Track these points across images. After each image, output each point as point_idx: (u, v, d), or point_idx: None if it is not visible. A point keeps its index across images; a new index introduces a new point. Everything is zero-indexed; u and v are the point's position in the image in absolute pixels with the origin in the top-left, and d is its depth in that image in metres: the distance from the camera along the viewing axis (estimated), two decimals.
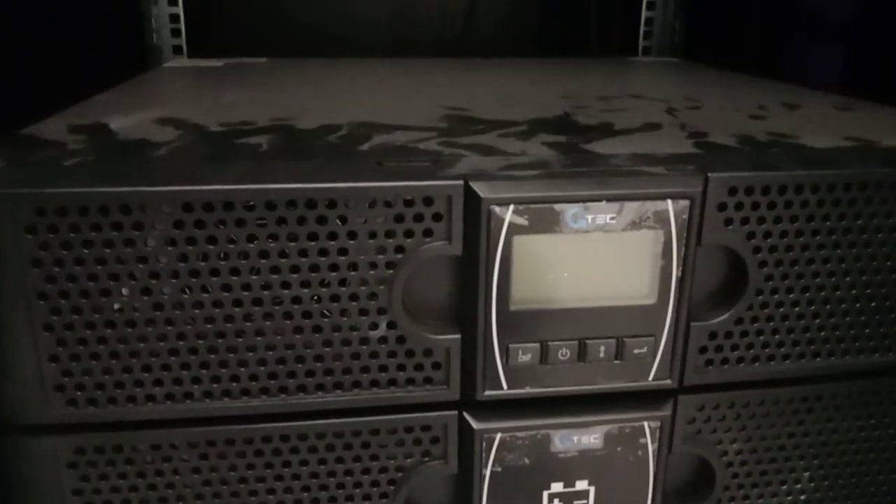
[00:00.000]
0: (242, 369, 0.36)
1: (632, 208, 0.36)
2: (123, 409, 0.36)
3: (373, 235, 0.35)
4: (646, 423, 0.40)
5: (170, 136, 0.42)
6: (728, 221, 0.37)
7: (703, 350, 0.39)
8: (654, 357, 0.38)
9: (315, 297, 0.35)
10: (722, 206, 0.37)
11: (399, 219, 0.35)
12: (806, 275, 0.39)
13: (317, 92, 0.61)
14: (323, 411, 0.37)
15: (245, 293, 0.35)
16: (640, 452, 0.40)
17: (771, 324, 0.40)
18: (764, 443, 0.42)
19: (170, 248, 0.34)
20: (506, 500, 0.40)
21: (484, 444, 0.38)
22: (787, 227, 0.38)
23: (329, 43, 0.89)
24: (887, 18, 0.66)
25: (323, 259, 0.35)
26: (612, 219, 0.36)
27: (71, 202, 0.33)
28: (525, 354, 0.37)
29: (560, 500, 0.40)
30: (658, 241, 0.36)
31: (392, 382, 0.37)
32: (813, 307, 0.40)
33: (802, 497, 0.44)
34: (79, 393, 0.35)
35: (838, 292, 0.40)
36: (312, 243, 0.35)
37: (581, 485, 0.40)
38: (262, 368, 0.36)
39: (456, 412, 0.39)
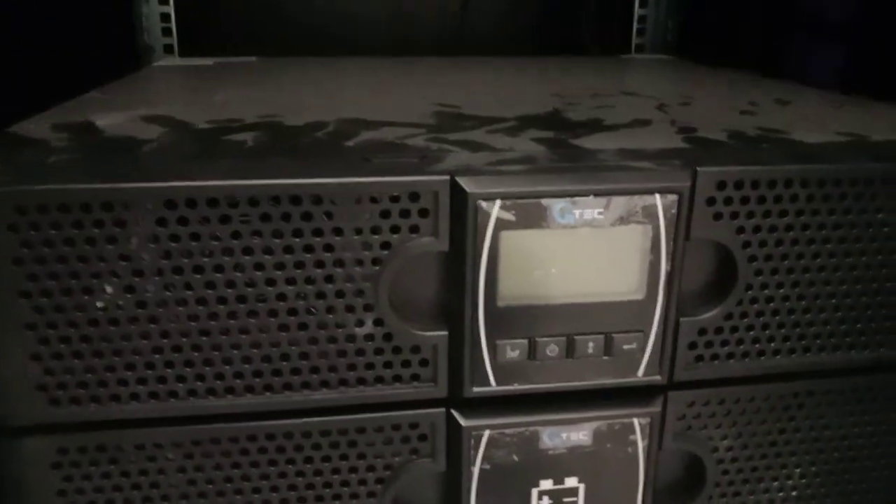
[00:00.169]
0: (227, 367, 0.36)
1: (620, 203, 0.35)
2: (107, 409, 0.35)
3: (359, 231, 0.35)
4: (635, 420, 0.39)
5: (155, 134, 0.41)
6: (717, 216, 0.37)
7: (692, 346, 0.39)
8: (643, 353, 0.38)
9: (300, 295, 0.35)
10: (711, 201, 0.37)
11: (385, 214, 0.35)
12: (796, 270, 0.39)
13: (307, 90, 0.61)
14: (309, 409, 0.37)
15: (229, 290, 0.34)
16: (629, 449, 0.40)
17: (761, 319, 0.39)
18: (755, 439, 0.42)
19: (153, 246, 0.33)
20: (495, 498, 0.39)
21: (472, 442, 0.38)
22: (776, 221, 0.38)
23: (324, 42, 0.89)
24: (885, 15, 0.66)
25: (308, 256, 0.34)
26: (599, 214, 0.35)
27: (52, 200, 0.32)
28: (513, 351, 0.37)
29: (549, 498, 0.40)
30: (646, 236, 0.36)
31: (379, 380, 0.37)
32: (803, 302, 0.40)
33: (794, 493, 0.44)
34: (61, 392, 0.35)
35: (828, 288, 0.40)
36: (297, 240, 0.34)
37: (570, 482, 0.40)
38: (247, 366, 0.36)
39: (444, 409, 0.38)
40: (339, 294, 0.35)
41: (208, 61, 0.79)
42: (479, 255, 0.35)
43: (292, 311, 0.35)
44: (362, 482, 0.39)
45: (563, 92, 0.58)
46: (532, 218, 0.35)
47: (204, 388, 0.36)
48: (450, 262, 0.36)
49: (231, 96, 0.56)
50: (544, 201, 0.35)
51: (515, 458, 0.39)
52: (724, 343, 0.40)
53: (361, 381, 0.37)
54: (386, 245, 0.35)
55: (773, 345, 0.40)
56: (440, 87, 0.63)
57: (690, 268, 0.38)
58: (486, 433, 0.38)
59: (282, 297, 0.35)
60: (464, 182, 0.34)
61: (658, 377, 0.39)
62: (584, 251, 0.36)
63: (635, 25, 0.96)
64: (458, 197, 0.35)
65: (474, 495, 0.39)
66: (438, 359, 0.37)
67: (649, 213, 0.36)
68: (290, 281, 0.35)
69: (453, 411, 0.38)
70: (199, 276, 0.34)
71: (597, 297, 0.37)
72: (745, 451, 0.42)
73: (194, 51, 0.86)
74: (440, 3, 0.91)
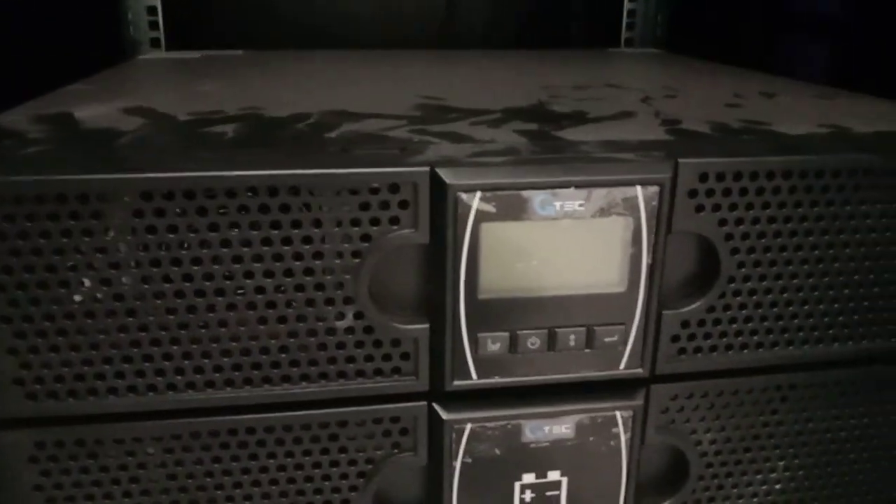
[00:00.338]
0: (206, 361, 0.35)
1: (600, 195, 0.35)
2: (85, 403, 0.35)
3: (338, 223, 0.34)
4: (618, 413, 0.39)
5: (134, 125, 0.41)
6: (699, 208, 0.37)
7: (675, 338, 0.39)
8: (625, 345, 0.38)
9: (279, 288, 0.35)
10: (693, 193, 0.37)
11: (365, 206, 0.34)
12: (779, 262, 0.39)
13: (291, 82, 0.60)
14: (290, 403, 0.37)
15: (207, 283, 0.34)
16: (612, 442, 0.40)
17: (744, 312, 0.39)
18: (738, 432, 0.42)
19: (130, 238, 0.33)
20: (477, 492, 0.39)
21: (454, 435, 0.38)
22: (759, 213, 0.38)
23: (312, 36, 0.88)
24: (873, 10, 0.66)
25: (287, 248, 0.34)
26: (580, 206, 0.35)
27: (28, 191, 0.32)
28: (494, 344, 0.37)
29: (532, 491, 0.40)
30: (628, 228, 0.36)
31: (360, 373, 0.37)
32: (786, 295, 0.40)
33: (777, 486, 0.44)
34: (38, 386, 0.35)
35: (811, 280, 0.40)
36: (276, 232, 0.34)
37: (553, 475, 0.40)
38: (227, 360, 0.36)
39: (425, 403, 0.38)
40: (319, 287, 0.35)
41: (195, 54, 0.78)
42: (460, 248, 0.35)
43: (271, 304, 0.35)
44: (344, 476, 0.39)
45: (549, 85, 0.58)
46: (513, 210, 0.35)
47: (183, 381, 0.36)
48: (430, 255, 0.36)
49: (214, 88, 0.56)
50: (525, 193, 0.35)
51: (497, 451, 0.39)
52: (707, 336, 0.39)
53: (342, 375, 0.37)
54: (366, 237, 0.35)
55: (755, 338, 0.40)
56: (426, 79, 0.62)
57: (673, 260, 0.38)
58: (468, 427, 0.38)
59: (260, 289, 0.35)
60: (444, 173, 0.34)
61: (640, 370, 0.39)
62: (565, 243, 0.36)
63: (625, 19, 0.96)
64: (438, 188, 0.34)
65: (456, 489, 0.39)
66: (420, 352, 0.37)
67: (630, 205, 0.36)
68: (269, 273, 0.34)
69: (435, 405, 0.38)
70: (176, 269, 0.34)
71: (578, 289, 0.37)
72: (728, 445, 0.42)
73: (182, 45, 0.85)
74: None
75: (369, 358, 0.37)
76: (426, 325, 0.37)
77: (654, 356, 0.39)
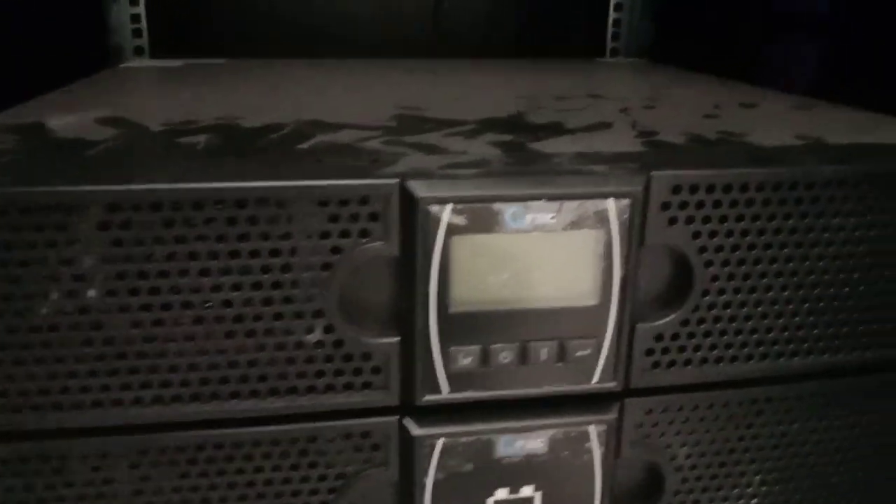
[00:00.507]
0: (173, 375, 0.35)
1: (571, 208, 0.35)
2: (49, 417, 0.34)
3: (307, 236, 0.34)
4: (591, 427, 0.39)
5: (106, 136, 0.40)
6: (672, 221, 0.37)
7: (649, 352, 0.39)
8: (598, 359, 0.38)
9: (247, 301, 0.34)
10: (665, 205, 0.36)
11: (334, 219, 0.34)
12: (753, 275, 0.39)
13: (271, 92, 0.60)
14: (258, 418, 0.36)
15: (174, 296, 0.34)
16: (586, 457, 0.39)
17: (718, 325, 0.39)
18: (714, 446, 0.42)
19: (95, 251, 0.33)
20: None
21: (425, 451, 0.38)
22: (733, 226, 0.38)
23: (298, 44, 0.88)
24: (855, 21, 0.66)
25: (255, 261, 0.34)
26: (552, 218, 0.35)
27: None
28: (466, 358, 0.36)
29: None
30: (599, 241, 0.36)
31: (330, 388, 0.36)
32: (760, 308, 0.39)
33: (754, 501, 0.44)
34: (2, 400, 0.34)
35: (786, 293, 0.39)
36: (243, 244, 0.33)
37: (526, 491, 0.39)
38: (194, 374, 0.35)
39: (396, 418, 0.38)
40: (288, 300, 0.35)
41: (177, 63, 0.78)
42: (431, 261, 0.35)
43: (239, 318, 0.34)
44: (314, 492, 0.38)
45: (529, 95, 0.58)
46: (484, 222, 0.35)
47: (150, 396, 0.35)
48: (401, 268, 0.35)
49: (192, 98, 0.55)
50: (496, 206, 0.34)
51: (470, 466, 0.38)
52: (682, 349, 0.39)
53: (311, 390, 0.36)
54: (335, 250, 0.34)
55: (730, 351, 0.40)
56: (407, 89, 0.62)
57: (646, 273, 0.38)
58: (440, 442, 0.38)
59: (228, 303, 0.34)
60: (414, 186, 0.34)
61: (613, 384, 0.38)
62: (537, 256, 0.36)
63: (610, 29, 0.96)
64: (409, 201, 0.34)
65: None
66: (390, 366, 0.37)
67: (602, 218, 0.35)
68: (237, 286, 0.34)
69: (406, 420, 0.38)
70: (142, 282, 0.33)
71: (550, 302, 0.36)
72: (703, 459, 0.42)
73: (168, 53, 0.85)
74: (416, 6, 0.91)
75: (339, 372, 0.36)
76: (397, 339, 0.36)
77: (628, 370, 0.39)
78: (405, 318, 0.36)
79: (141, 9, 0.86)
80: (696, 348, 0.39)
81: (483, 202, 0.34)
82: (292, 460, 0.37)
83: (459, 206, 0.34)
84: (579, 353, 0.37)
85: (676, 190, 0.36)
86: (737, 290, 0.39)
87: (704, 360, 0.40)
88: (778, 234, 0.38)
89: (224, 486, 0.37)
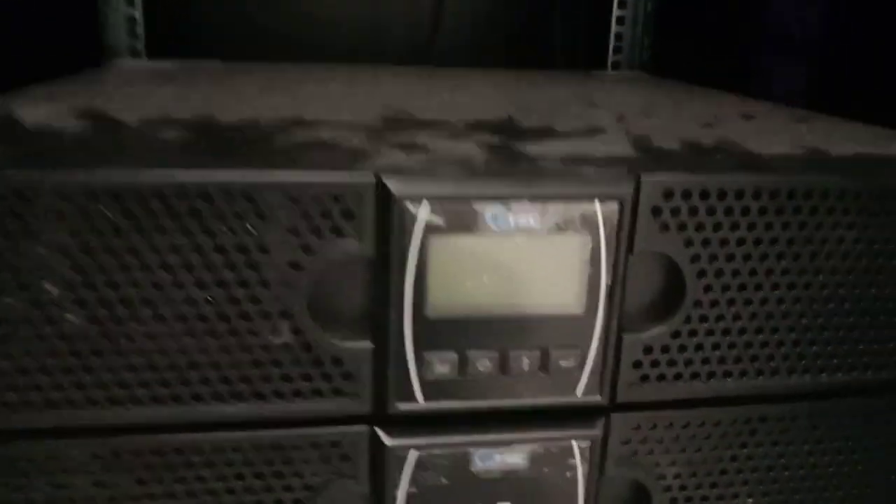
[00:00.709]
0: (130, 375, 0.33)
1: (556, 209, 0.33)
2: None
3: (277, 232, 0.32)
4: (574, 443, 0.37)
5: (77, 128, 0.39)
6: (664, 227, 0.35)
7: (637, 364, 0.37)
8: (583, 371, 0.36)
9: (211, 299, 0.32)
10: (656, 211, 0.35)
11: (305, 215, 0.32)
12: (748, 286, 0.37)
13: (259, 92, 0.58)
14: (221, 423, 0.34)
15: (134, 291, 0.32)
16: (568, 474, 0.37)
17: (711, 338, 0.37)
18: (704, 466, 0.40)
19: (51, 241, 0.31)
20: None
21: (397, 463, 0.36)
22: (727, 235, 0.36)
23: (297, 49, 0.87)
24: (852, 36, 0.65)
25: (220, 257, 0.32)
26: (535, 220, 0.33)
27: None
28: (442, 365, 0.34)
29: None
30: (585, 246, 0.34)
31: (297, 394, 0.34)
32: (756, 321, 0.37)
33: None
34: None
35: (782, 306, 0.38)
36: (208, 239, 0.32)
37: None
38: (153, 375, 0.33)
39: (367, 427, 0.36)
40: (254, 299, 0.33)
41: (171, 64, 0.77)
42: (407, 262, 0.33)
43: (202, 317, 0.33)
44: (279, 503, 0.36)
45: (523, 102, 0.56)
46: (463, 223, 0.33)
47: (106, 397, 0.33)
48: (376, 269, 0.34)
49: (175, 96, 0.54)
50: (476, 205, 0.33)
51: (445, 480, 0.36)
52: (672, 363, 0.37)
53: (278, 395, 0.34)
54: (306, 248, 0.33)
55: (723, 366, 0.38)
56: (399, 93, 0.60)
57: (635, 281, 0.36)
58: (413, 453, 0.36)
59: (190, 300, 0.32)
60: (390, 182, 0.32)
61: (598, 397, 0.36)
62: (519, 260, 0.34)
63: (612, 43, 0.95)
64: (384, 198, 0.32)
65: None
66: (362, 372, 0.35)
67: (588, 222, 0.34)
68: (200, 283, 0.32)
69: (377, 429, 0.36)
70: (100, 276, 0.31)
71: (532, 309, 0.35)
72: (693, 480, 0.40)
73: (164, 55, 0.84)
74: (414, 16, 0.90)
75: (307, 377, 0.34)
76: (369, 344, 0.34)
77: (614, 383, 0.37)
78: (379, 321, 0.34)
79: (137, 11, 0.85)
80: (687, 362, 0.37)
81: (463, 201, 0.33)
82: (256, 469, 0.35)
83: (438, 205, 0.33)
84: (563, 364, 0.35)
85: (668, 194, 0.35)
86: (731, 302, 0.37)
87: (696, 375, 0.38)
88: (774, 245, 0.36)
89: (183, 494, 0.35)
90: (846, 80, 0.64)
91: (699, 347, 0.37)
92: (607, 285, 0.35)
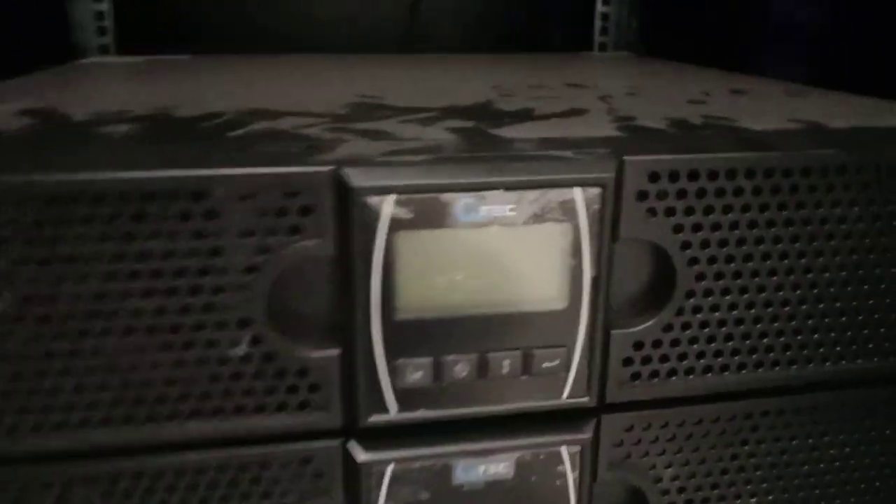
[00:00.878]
0: (78, 396, 0.30)
1: (533, 198, 0.31)
2: None
3: (229, 233, 0.30)
4: (563, 448, 0.34)
5: (19, 125, 0.36)
6: (650, 212, 0.32)
7: (627, 362, 0.34)
8: (568, 371, 0.33)
9: (161, 309, 0.30)
10: (642, 195, 0.32)
11: (260, 213, 0.30)
12: (744, 273, 0.34)
13: (225, 84, 0.55)
14: (180, 444, 0.32)
15: (76, 305, 0.29)
16: (558, 482, 0.35)
17: (705, 330, 0.35)
18: (703, 466, 0.37)
19: None
20: None
21: (373, 478, 0.33)
22: (719, 218, 0.33)
23: (273, 41, 0.84)
24: (847, 13, 0.62)
25: (167, 263, 0.29)
26: (511, 210, 0.31)
27: None
28: (416, 372, 0.32)
29: None
30: (566, 236, 0.31)
31: (260, 409, 0.32)
32: (753, 311, 0.35)
33: None
34: None
35: (781, 293, 0.35)
36: (154, 243, 0.29)
37: None
38: (103, 395, 0.30)
39: (339, 441, 0.33)
40: (208, 308, 0.30)
41: (139, 59, 0.74)
42: (372, 261, 0.30)
43: (152, 329, 0.30)
44: None
45: (504, 85, 0.53)
46: (432, 216, 0.30)
47: (51, 421, 0.30)
48: (339, 269, 0.31)
49: (135, 90, 0.51)
50: (445, 196, 0.30)
51: (425, 495, 0.34)
52: (665, 358, 0.35)
53: (239, 411, 0.32)
54: (262, 249, 0.30)
55: (720, 359, 0.35)
56: (373, 80, 0.58)
57: (621, 272, 0.33)
58: (389, 468, 0.33)
59: (138, 312, 0.30)
60: (349, 174, 0.30)
61: (586, 399, 0.34)
62: (495, 254, 0.31)
63: (598, 23, 0.93)
64: (344, 192, 0.30)
65: None
66: (330, 383, 0.32)
67: (568, 210, 0.31)
68: (148, 293, 0.29)
69: (350, 443, 0.33)
70: (35, 288, 0.29)
71: (511, 307, 0.32)
72: (692, 481, 0.37)
73: (134, 51, 0.81)
74: (394, 1, 0.87)
75: (271, 390, 0.32)
76: (337, 352, 0.32)
77: (603, 382, 0.34)
78: (345, 327, 0.31)
79: (105, 6, 0.82)
80: (681, 357, 0.35)
81: (431, 192, 0.30)
82: (221, 491, 0.33)
83: (403, 198, 0.30)
84: (546, 365, 0.33)
85: (654, 177, 0.32)
86: (725, 291, 0.34)
87: (691, 371, 0.35)
88: (771, 228, 0.34)
89: None
90: (845, 59, 0.62)
91: (693, 341, 0.35)
92: (591, 277, 0.32)
